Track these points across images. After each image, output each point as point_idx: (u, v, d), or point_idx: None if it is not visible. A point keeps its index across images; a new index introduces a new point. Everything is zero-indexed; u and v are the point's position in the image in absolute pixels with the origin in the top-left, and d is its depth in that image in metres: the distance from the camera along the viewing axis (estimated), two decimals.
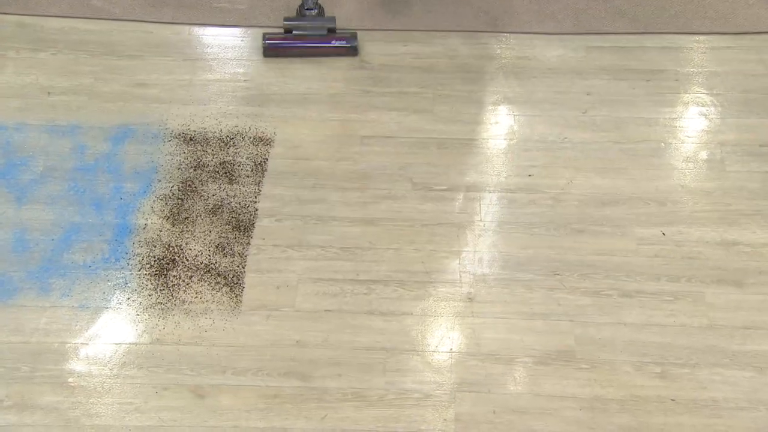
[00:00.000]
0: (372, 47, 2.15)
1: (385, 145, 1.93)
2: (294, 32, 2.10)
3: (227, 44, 2.12)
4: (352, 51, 2.08)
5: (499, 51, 2.16)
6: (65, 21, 2.12)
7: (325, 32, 2.09)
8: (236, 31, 2.16)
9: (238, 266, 1.68)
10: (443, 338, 1.60)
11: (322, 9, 2.14)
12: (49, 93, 1.96)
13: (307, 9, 2.11)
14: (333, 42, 2.08)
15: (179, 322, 1.59)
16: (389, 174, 1.87)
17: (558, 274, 1.70)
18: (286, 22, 2.10)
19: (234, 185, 1.82)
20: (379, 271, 1.69)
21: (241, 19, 2.19)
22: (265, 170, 1.86)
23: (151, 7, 2.18)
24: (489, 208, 1.81)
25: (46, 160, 1.83)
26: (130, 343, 1.55)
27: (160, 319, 1.59)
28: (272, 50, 2.08)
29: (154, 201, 1.78)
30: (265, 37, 2.09)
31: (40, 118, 1.91)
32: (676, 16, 2.26)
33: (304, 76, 2.06)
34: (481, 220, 1.79)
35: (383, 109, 2.00)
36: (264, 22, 2.18)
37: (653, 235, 1.77)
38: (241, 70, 2.06)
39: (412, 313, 1.63)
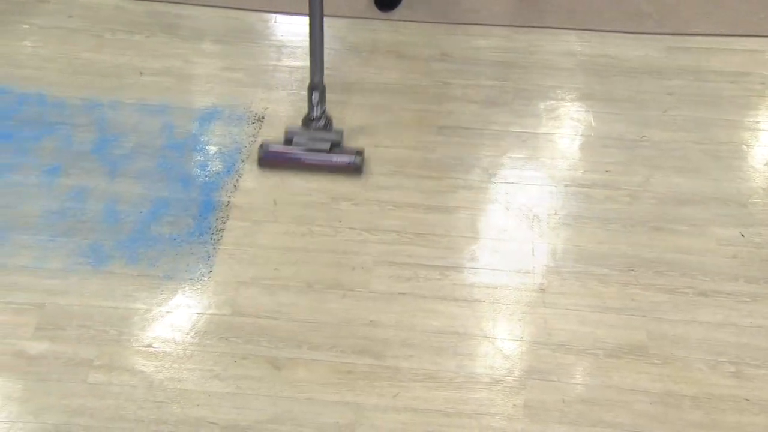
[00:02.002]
0: (453, 41, 2.18)
1: (462, 136, 1.96)
2: (295, 143, 1.91)
3: None
4: (355, 169, 1.88)
5: (579, 48, 2.17)
6: (160, 5, 2.22)
7: (328, 146, 1.89)
8: (325, 20, 2.22)
9: (314, 246, 1.74)
10: (514, 326, 1.62)
11: (330, 121, 1.93)
12: (141, 73, 2.06)
13: (311, 120, 1.91)
14: (334, 159, 1.87)
15: (257, 296, 1.66)
16: (465, 164, 1.91)
17: (633, 270, 1.70)
18: (287, 132, 1.92)
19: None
20: (452, 258, 1.73)
21: (326, 9, 2.24)
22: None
23: None
24: (564, 202, 1.83)
25: (137, 137, 1.93)
26: (211, 314, 1.63)
27: (240, 292, 1.67)
28: (267, 161, 1.89)
29: (237, 180, 1.86)
30: (262, 146, 1.90)
31: (132, 97, 2.01)
32: (765, 19, 2.23)
33: (385, 66, 2.12)
34: (555, 214, 1.81)
35: (462, 101, 2.04)
36: (347, 12, 2.24)
37: (732, 236, 1.76)
38: (326, 59, 2.12)
39: (484, 300, 1.66)
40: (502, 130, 1.98)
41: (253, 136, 1.94)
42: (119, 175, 1.85)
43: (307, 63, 2.14)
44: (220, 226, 1.78)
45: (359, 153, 1.89)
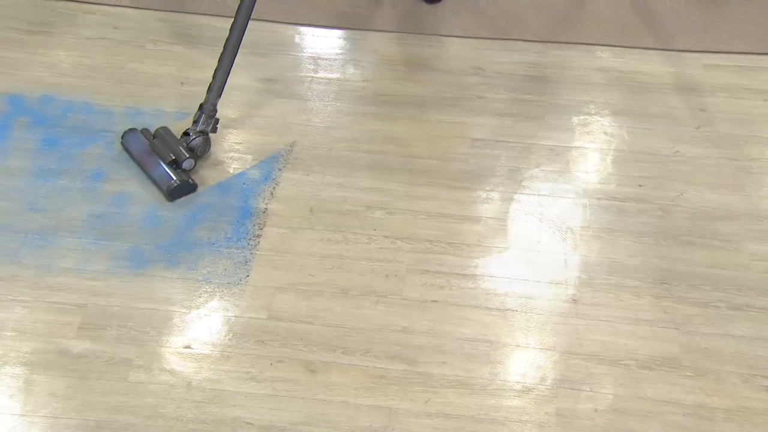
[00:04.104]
0: (486, 55, 2.23)
1: (495, 149, 2.00)
2: (151, 141, 1.93)
3: (348, 46, 2.25)
4: (166, 191, 1.85)
5: (613, 64, 2.20)
6: (201, 18, 2.29)
7: (168, 159, 1.87)
8: (357, 33, 2.28)
9: (349, 254, 1.78)
10: (546, 336, 1.64)
11: (204, 145, 1.90)
12: (182, 83, 2.13)
13: (186, 134, 1.91)
14: (156, 173, 1.87)
15: (293, 301, 1.70)
16: (498, 176, 1.94)
17: (665, 283, 1.72)
18: (158, 129, 1.94)
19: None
20: (485, 268, 1.76)
21: (361, 22, 2.31)
22: (378, 167, 1.96)
23: (279, 8, 2.33)
24: (597, 215, 1.85)
25: None
26: (248, 317, 1.67)
27: (276, 296, 1.71)
28: (123, 145, 1.94)
29: (274, 188, 1.91)
30: (128, 132, 1.95)
31: (173, 105, 2.07)
32: None
33: (419, 80, 2.16)
34: (588, 226, 1.83)
35: (496, 114, 2.07)
36: (382, 26, 2.30)
37: (765, 251, 1.76)
38: (360, 71, 2.18)
39: (516, 310, 1.68)
40: (535, 144, 2.01)
41: (291, 145, 2.00)
42: None
43: (342, 76, 2.21)
44: (257, 232, 1.83)
45: (184, 185, 1.85)
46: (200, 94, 2.09)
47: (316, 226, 1.84)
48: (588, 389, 1.56)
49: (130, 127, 1.97)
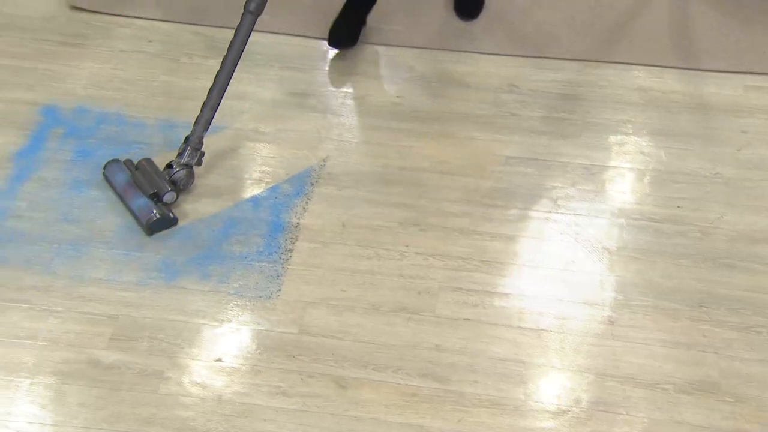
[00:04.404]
0: (521, 73, 2.26)
1: (530, 167, 2.03)
2: (133, 172, 1.94)
3: (382, 62, 2.30)
4: (144, 226, 1.86)
5: (651, 84, 2.23)
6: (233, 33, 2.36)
7: (150, 192, 1.87)
8: (390, 49, 2.33)
9: (381, 270, 1.82)
10: (581, 357, 1.66)
11: (187, 178, 1.90)
12: None
13: (169, 166, 1.91)
14: (135, 205, 1.87)
15: (324, 316, 1.74)
16: (533, 194, 1.97)
17: (704, 306, 1.73)
18: (142, 161, 1.95)
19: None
20: (518, 287, 1.79)
21: (395, 38, 2.36)
22: (411, 183, 2.00)
23: (313, 24, 2.39)
24: (634, 236, 1.87)
25: (210, 157, 2.03)
26: (279, 332, 1.71)
27: (307, 311, 1.75)
28: (105, 178, 1.95)
29: (306, 202, 1.96)
30: (105, 166, 1.96)
31: None
32: None
33: (453, 96, 2.20)
34: (625, 247, 1.85)
35: (530, 132, 2.11)
36: (416, 43, 2.34)
37: None
38: (394, 87, 2.23)
39: (551, 330, 1.70)
40: (570, 162, 2.04)
41: (323, 160, 2.04)
42: (192, 194, 1.96)
43: (376, 92, 2.26)
44: (289, 247, 1.87)
45: (163, 219, 1.85)
46: (232, 108, 2.15)
47: (347, 241, 1.88)
48: (624, 413, 1.57)
49: (162, 138, 2.04)
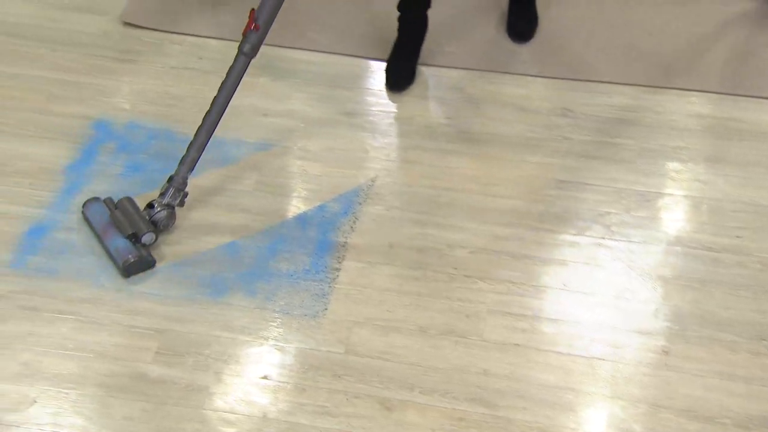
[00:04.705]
0: (575, 97, 2.28)
1: (582, 191, 2.04)
2: (113, 212, 1.94)
3: (432, 83, 2.34)
4: (121, 268, 1.86)
5: (709, 110, 2.23)
6: (284, 50, 2.42)
7: (127, 233, 1.87)
8: (440, 70, 2.37)
9: (428, 291, 1.84)
10: (634, 387, 1.66)
11: (168, 219, 1.91)
12: (265, 114, 2.25)
13: (150, 206, 1.91)
14: (112, 247, 1.87)
15: (370, 336, 1.77)
16: (585, 220, 1.98)
17: (764, 340, 1.72)
18: (123, 200, 1.96)
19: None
20: (570, 313, 1.80)
21: (445, 59, 2.40)
22: (460, 205, 2.02)
23: (363, 44, 2.44)
24: (690, 265, 1.87)
25: (258, 175, 2.10)
26: (325, 351, 1.74)
27: (353, 331, 1.77)
28: (84, 216, 1.96)
29: (354, 222, 1.99)
30: (84, 205, 1.97)
31: (255, 136, 2.19)
32: None
33: (504, 119, 2.23)
34: (681, 276, 1.85)
35: (583, 157, 2.12)
36: (467, 64, 2.38)
37: None
38: (444, 108, 2.26)
39: (603, 359, 1.71)
40: (625, 188, 2.04)
41: (371, 180, 2.08)
42: (240, 211, 2.02)
43: (425, 112, 2.29)
44: (336, 266, 1.90)
45: (140, 261, 1.85)
46: (281, 126, 2.21)
47: (395, 261, 1.91)
48: None
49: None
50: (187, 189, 1.96)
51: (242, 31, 1.91)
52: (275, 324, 1.79)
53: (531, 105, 2.29)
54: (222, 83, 1.94)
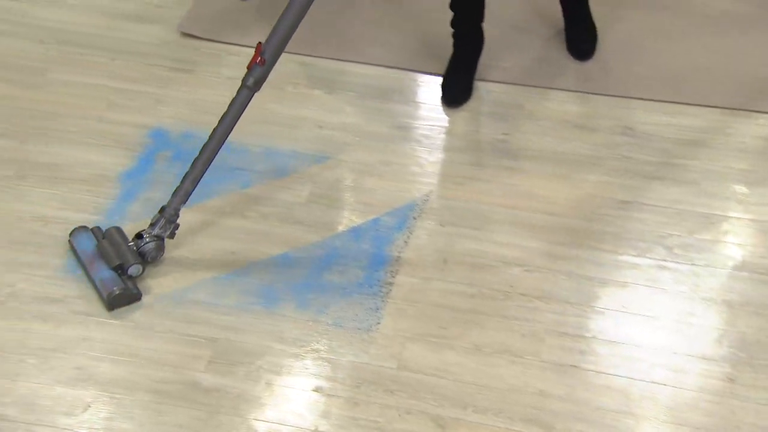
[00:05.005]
0: (637, 116, 2.29)
1: (644, 212, 2.04)
2: (100, 242, 1.93)
3: (489, 99, 2.36)
4: (106, 301, 1.85)
5: None
6: (340, 64, 2.47)
7: (114, 265, 1.86)
8: (498, 86, 2.39)
9: (483, 309, 1.86)
10: (697, 414, 1.65)
11: (156, 251, 1.90)
12: (320, 127, 2.30)
13: (139, 236, 1.90)
14: (97, 279, 1.86)
15: (423, 352, 1.78)
16: (646, 241, 1.98)
17: None
18: (109, 230, 1.96)
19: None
20: (630, 336, 1.79)
21: (504, 77, 2.42)
22: (516, 222, 2.04)
23: (419, 58, 2.48)
24: (758, 291, 1.86)
25: (313, 186, 2.14)
26: (377, 365, 1.76)
27: (406, 346, 1.79)
28: (70, 245, 1.96)
29: (408, 236, 2.02)
30: (71, 233, 1.98)
31: (310, 148, 2.23)
32: None
33: (563, 136, 2.24)
34: (747, 302, 1.84)
35: (645, 177, 2.12)
36: (528, 81, 2.40)
37: None
38: (501, 124, 2.28)
39: (664, 384, 1.70)
40: (688, 210, 2.04)
41: (426, 194, 2.11)
42: (293, 222, 2.06)
43: (481, 130, 2.32)
44: (390, 280, 1.93)
45: (124, 294, 1.84)
46: (337, 140, 2.25)
47: (449, 278, 1.93)
48: None
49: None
50: (178, 221, 1.94)
51: (247, 65, 1.91)
52: (327, 336, 1.82)
53: (590, 123, 2.30)
54: (222, 115, 1.93)
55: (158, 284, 1.91)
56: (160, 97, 2.37)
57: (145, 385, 1.73)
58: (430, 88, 2.42)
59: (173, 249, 1.98)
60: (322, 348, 1.80)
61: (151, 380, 1.74)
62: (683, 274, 1.91)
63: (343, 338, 1.81)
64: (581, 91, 2.38)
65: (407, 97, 2.40)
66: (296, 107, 2.36)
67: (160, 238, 1.93)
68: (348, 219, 2.07)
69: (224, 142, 1.94)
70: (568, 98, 2.37)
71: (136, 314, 1.85)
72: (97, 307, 1.86)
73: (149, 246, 1.91)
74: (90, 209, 2.07)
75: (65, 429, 1.65)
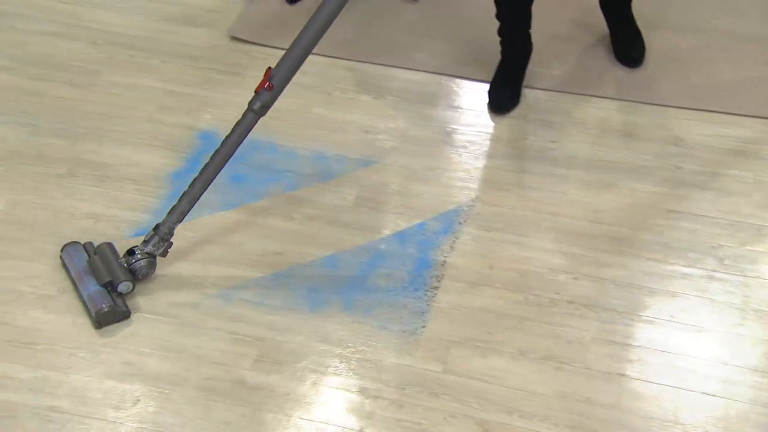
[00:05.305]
0: (688, 126, 2.29)
1: (694, 222, 2.04)
2: (91, 257, 1.94)
3: (537, 106, 2.38)
4: (93, 319, 1.86)
5: None
6: (388, 69, 2.51)
7: (104, 281, 1.87)
8: (546, 93, 2.41)
9: (529, 315, 1.87)
10: (749, 426, 1.65)
11: (147, 269, 1.91)
12: (366, 132, 2.33)
13: (130, 252, 1.91)
14: (86, 294, 1.88)
15: (469, 357, 1.80)
16: (696, 251, 1.98)
17: None
18: (102, 245, 1.96)
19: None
20: (679, 346, 1.80)
21: (553, 85, 2.44)
22: (563, 230, 2.05)
23: (467, 64, 2.51)
24: None
25: (359, 190, 2.17)
26: (422, 368, 1.78)
27: (451, 350, 1.81)
28: (62, 260, 1.98)
29: (453, 241, 2.04)
30: (63, 248, 1.99)
31: (356, 152, 2.27)
32: None
33: (611, 144, 2.25)
34: None
35: (696, 187, 2.13)
36: (577, 89, 2.41)
37: None
38: (549, 132, 2.30)
39: (714, 395, 1.70)
40: (741, 222, 2.03)
41: (473, 200, 2.13)
42: (339, 225, 2.09)
43: (527, 135, 2.33)
44: (435, 284, 1.95)
45: (113, 311, 1.85)
46: (383, 144, 2.28)
47: (495, 283, 1.95)
48: None
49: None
50: (172, 239, 1.94)
51: (255, 89, 1.92)
52: (373, 338, 1.84)
53: (640, 132, 2.30)
54: (226, 137, 1.93)
55: (205, 283, 1.96)
56: (209, 99, 2.43)
57: (193, 381, 1.77)
58: (476, 94, 2.45)
59: (219, 249, 2.03)
60: (368, 350, 1.83)
61: (199, 377, 1.78)
62: (734, 285, 1.90)
63: (388, 340, 1.84)
64: (629, 100, 2.39)
65: (453, 103, 2.43)
66: (343, 112, 2.40)
67: (152, 256, 1.93)
68: (394, 223, 2.10)
69: (225, 164, 1.94)
70: (615, 107, 2.38)
71: (183, 312, 1.90)
72: (145, 303, 1.92)
73: (141, 263, 1.91)
74: (139, 208, 2.13)
75: (115, 422, 1.70)
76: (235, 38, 2.62)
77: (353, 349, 1.83)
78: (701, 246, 2.00)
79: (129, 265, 1.92)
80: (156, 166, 2.24)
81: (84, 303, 1.90)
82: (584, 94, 2.42)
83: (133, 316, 1.89)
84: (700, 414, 1.68)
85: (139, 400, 1.73)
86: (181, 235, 2.04)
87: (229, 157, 1.94)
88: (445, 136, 2.33)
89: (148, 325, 1.88)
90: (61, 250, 2.00)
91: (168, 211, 1.94)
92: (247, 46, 2.59)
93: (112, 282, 1.89)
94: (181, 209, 1.94)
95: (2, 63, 2.51)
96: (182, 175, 2.23)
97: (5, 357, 1.80)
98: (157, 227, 1.93)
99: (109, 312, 1.86)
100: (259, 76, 2.50)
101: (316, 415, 1.71)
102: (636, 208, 2.10)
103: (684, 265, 1.96)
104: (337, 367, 1.80)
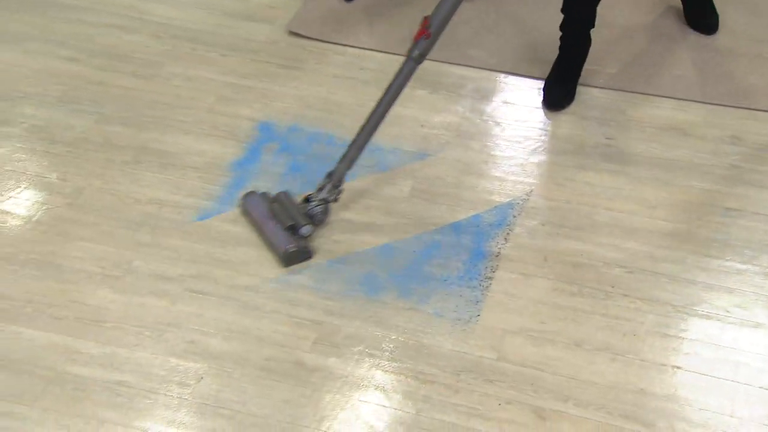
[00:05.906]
0: (746, 125, 2.32)
1: (752, 221, 2.07)
2: (271, 205, 2.09)
3: (593, 103, 2.42)
4: (283, 256, 2.01)
5: None
6: (443, 65, 2.56)
7: (287, 224, 2.02)
8: (601, 91, 2.45)
9: (584, 307, 1.91)
10: None
11: (323, 213, 2.04)
12: (422, 125, 2.39)
13: (307, 200, 2.06)
14: (274, 237, 2.03)
15: (523, 345, 1.84)
16: (754, 249, 2.01)
17: None
18: (278, 194, 2.11)
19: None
20: (736, 340, 1.82)
21: (609, 82, 2.47)
22: (618, 225, 2.09)
23: (524, 61, 2.56)
24: None
25: (414, 182, 2.23)
26: (477, 356, 1.83)
27: (506, 339, 1.86)
28: (242, 206, 2.13)
29: (508, 233, 2.09)
30: (243, 197, 2.14)
31: (412, 145, 2.33)
32: None
33: (668, 142, 2.28)
34: None
35: (753, 186, 2.15)
36: (633, 88, 2.45)
37: None
38: (604, 129, 2.34)
39: (766, 388, 1.73)
40: None
41: (527, 193, 2.17)
42: (395, 215, 2.14)
43: (583, 131, 2.36)
44: (489, 275, 2.00)
45: (299, 251, 2.00)
46: (438, 138, 2.34)
47: (549, 275, 1.99)
48: None
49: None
50: (342, 187, 2.11)
51: (414, 37, 2.03)
52: (429, 325, 1.89)
53: (696, 131, 2.33)
54: (388, 86, 2.07)
55: (264, 268, 2.03)
56: (268, 92, 2.51)
57: (254, 361, 1.84)
58: (530, 91, 2.49)
59: None
60: (423, 336, 1.88)
61: (260, 357, 1.84)
62: None
63: (443, 327, 1.89)
64: (687, 99, 2.42)
65: (508, 98, 2.48)
66: (400, 106, 2.43)
67: (327, 202, 2.07)
68: (448, 214, 2.15)
69: (389, 110, 2.07)
70: (671, 105, 2.41)
71: (244, 295, 1.97)
72: (208, 286, 1.99)
73: (317, 209, 2.06)
74: (201, 195, 2.21)
75: (180, 397, 1.77)
76: (293, 33, 2.69)
77: (409, 335, 1.88)
78: (758, 244, 2.02)
79: (307, 210, 2.06)
80: (217, 154, 2.32)
81: (271, 244, 2.05)
82: (640, 93, 2.46)
83: (197, 298, 1.97)
84: (756, 408, 1.70)
85: (202, 378, 1.81)
86: (241, 221, 2.12)
87: (391, 106, 2.07)
88: (499, 131, 2.38)
89: (211, 307, 1.95)
90: (242, 198, 2.15)
91: (338, 159, 2.07)
92: (304, 42, 2.66)
93: (294, 226, 2.04)
94: (350, 157, 2.08)
95: (70, 54, 2.62)
96: (242, 164, 2.31)
97: (76, 333, 1.89)
98: (329, 174, 2.07)
99: (297, 251, 2.02)
100: (317, 70, 2.60)
101: (373, 398, 1.77)
102: (692, 205, 2.13)
103: (740, 262, 1.98)
104: (393, 351, 1.85)
